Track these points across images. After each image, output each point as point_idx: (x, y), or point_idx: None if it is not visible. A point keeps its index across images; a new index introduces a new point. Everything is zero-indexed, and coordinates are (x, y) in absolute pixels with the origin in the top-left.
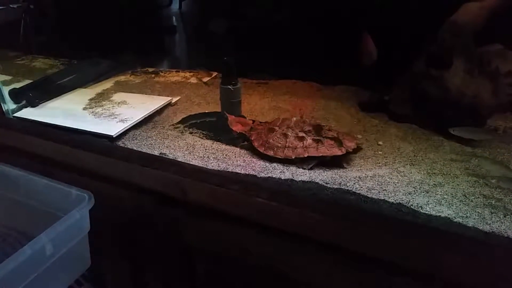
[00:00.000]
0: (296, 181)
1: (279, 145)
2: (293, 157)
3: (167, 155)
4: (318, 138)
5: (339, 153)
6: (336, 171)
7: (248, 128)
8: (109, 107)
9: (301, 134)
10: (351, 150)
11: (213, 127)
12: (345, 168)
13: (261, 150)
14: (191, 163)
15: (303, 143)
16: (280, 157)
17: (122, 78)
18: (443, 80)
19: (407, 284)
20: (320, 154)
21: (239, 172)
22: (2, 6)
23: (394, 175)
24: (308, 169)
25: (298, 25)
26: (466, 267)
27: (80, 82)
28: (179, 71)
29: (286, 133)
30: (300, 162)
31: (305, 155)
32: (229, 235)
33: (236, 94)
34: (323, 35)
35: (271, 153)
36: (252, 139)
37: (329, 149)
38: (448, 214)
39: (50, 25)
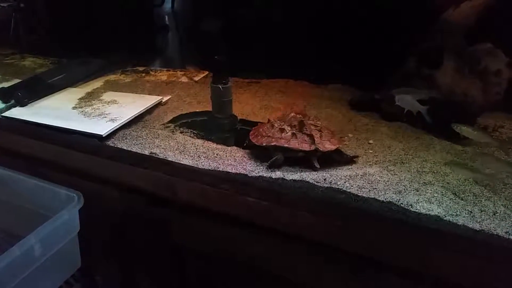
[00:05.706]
0: (287, 180)
1: (264, 134)
2: (264, 144)
3: (158, 155)
4: (295, 132)
5: (306, 148)
6: (326, 169)
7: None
8: (98, 107)
9: (285, 126)
10: (324, 150)
11: (204, 126)
12: (317, 167)
13: (251, 137)
14: (181, 162)
15: (281, 135)
16: (256, 143)
17: (112, 77)
18: (434, 79)
19: (397, 282)
20: (286, 145)
21: (230, 171)
22: None
23: (384, 174)
24: (268, 166)
25: (290, 24)
26: (455, 266)
27: (70, 81)
28: (170, 70)
29: (273, 124)
30: (280, 151)
31: (272, 144)
32: (219, 234)
33: (227, 93)
34: (315, 34)
35: (255, 140)
36: (252, 128)
37: (299, 144)
38: (438, 213)
39: (40, 24)
